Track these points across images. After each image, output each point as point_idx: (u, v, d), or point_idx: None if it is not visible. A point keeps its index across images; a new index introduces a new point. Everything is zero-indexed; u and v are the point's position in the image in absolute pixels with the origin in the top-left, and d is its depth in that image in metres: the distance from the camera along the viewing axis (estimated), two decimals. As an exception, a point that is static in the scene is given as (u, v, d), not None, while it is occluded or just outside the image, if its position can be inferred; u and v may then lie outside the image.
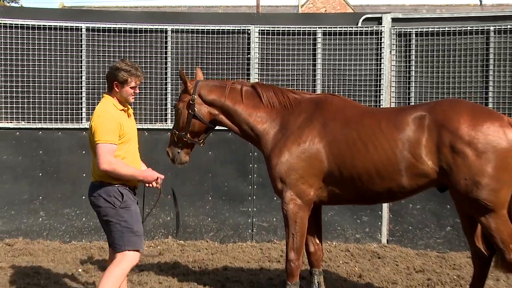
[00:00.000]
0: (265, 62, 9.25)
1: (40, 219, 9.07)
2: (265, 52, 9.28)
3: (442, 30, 8.98)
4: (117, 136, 5.33)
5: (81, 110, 9.17)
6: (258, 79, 9.16)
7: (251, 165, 9.19)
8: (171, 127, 6.87)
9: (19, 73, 9.04)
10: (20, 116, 9.07)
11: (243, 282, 7.27)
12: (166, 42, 9.23)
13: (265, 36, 9.29)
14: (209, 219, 9.21)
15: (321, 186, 6.11)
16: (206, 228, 9.19)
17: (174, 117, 6.89)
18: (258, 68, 9.22)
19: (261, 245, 8.90)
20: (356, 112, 6.26)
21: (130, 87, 5.48)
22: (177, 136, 6.54)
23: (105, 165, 5.25)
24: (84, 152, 9.11)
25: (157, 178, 5.61)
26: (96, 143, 5.26)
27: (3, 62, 9.02)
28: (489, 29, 8.84)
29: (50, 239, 8.99)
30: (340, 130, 6.07)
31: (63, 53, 9.15)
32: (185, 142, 6.57)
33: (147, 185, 5.63)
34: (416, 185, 5.90)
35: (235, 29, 9.30)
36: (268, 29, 9.28)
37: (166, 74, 9.26)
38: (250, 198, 9.19)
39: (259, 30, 9.26)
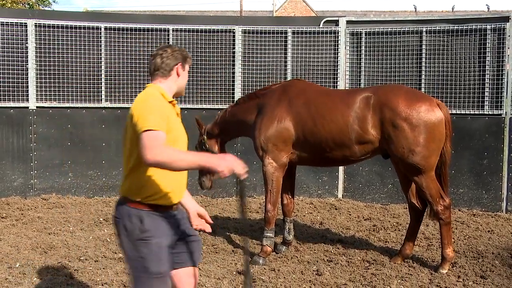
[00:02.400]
0: (246, 55, 9.15)
1: (69, 179, 8.96)
2: (246, 47, 9.18)
3: (385, 30, 8.94)
4: (165, 126, 3.25)
5: (101, 92, 9.03)
6: (241, 69, 9.07)
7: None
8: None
9: (52, 64, 8.85)
10: (52, 97, 8.91)
11: (230, 228, 7.27)
12: (168, 39, 9.09)
13: (247, 35, 9.18)
14: (203, 178, 9.15)
15: (291, 151, 6.11)
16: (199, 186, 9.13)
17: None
18: (241, 60, 9.12)
19: (244, 199, 8.87)
20: (316, 92, 6.28)
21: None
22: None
23: (154, 156, 3.06)
24: (103, 126, 9.00)
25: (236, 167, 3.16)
26: (140, 131, 3.15)
27: (39, 55, 8.82)
28: (422, 29, 8.80)
29: (77, 195, 8.90)
30: (303, 106, 6.07)
31: (86, 48, 8.97)
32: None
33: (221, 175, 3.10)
34: (364, 152, 5.93)
35: (223, 29, 9.17)
36: (250, 29, 9.17)
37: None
38: (235, 162, 9.13)
39: (242, 29, 9.15)
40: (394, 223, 7.49)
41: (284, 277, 5.45)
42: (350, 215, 8.02)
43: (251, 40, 9.17)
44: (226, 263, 5.87)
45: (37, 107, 8.85)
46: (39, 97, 8.88)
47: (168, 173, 3.28)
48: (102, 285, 5.14)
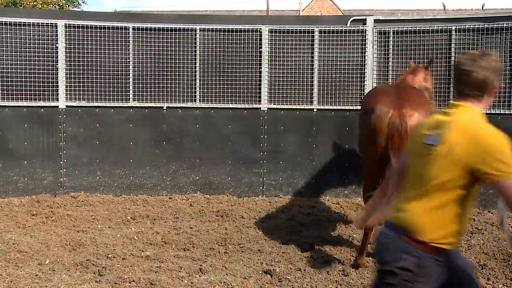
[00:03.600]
0: (273, 55, 9.13)
1: (97, 177, 9.07)
2: (273, 47, 9.17)
3: (414, 29, 8.84)
4: None
5: (129, 92, 9.11)
6: (268, 69, 9.06)
7: (262, 136, 9.13)
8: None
9: (81, 64, 8.97)
10: (82, 97, 9.03)
11: (256, 227, 7.28)
12: (195, 39, 9.13)
13: (274, 34, 9.17)
14: (229, 178, 9.18)
15: None
16: (226, 185, 9.17)
17: None
18: (268, 60, 9.11)
19: (270, 199, 8.88)
20: None
21: None
22: None
23: None
24: (131, 125, 9.09)
25: None
26: (507, 176, 2.64)
27: (69, 55, 8.95)
28: (451, 28, 8.67)
29: (105, 193, 9.00)
30: None
31: (115, 48, 9.06)
32: None
33: None
34: None
35: (250, 28, 9.17)
36: (276, 28, 9.15)
37: (195, 64, 9.16)
38: (261, 162, 9.14)
39: (268, 29, 9.13)
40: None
41: (310, 277, 5.43)
42: (377, 215, 7.93)
43: (278, 40, 9.15)
44: (252, 263, 5.87)
45: (66, 106, 8.98)
46: (68, 96, 9.01)
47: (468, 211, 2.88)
48: (130, 282, 5.19)
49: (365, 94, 6.06)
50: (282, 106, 9.07)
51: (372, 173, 5.73)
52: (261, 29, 9.12)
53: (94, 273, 5.44)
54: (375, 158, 5.61)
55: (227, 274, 5.45)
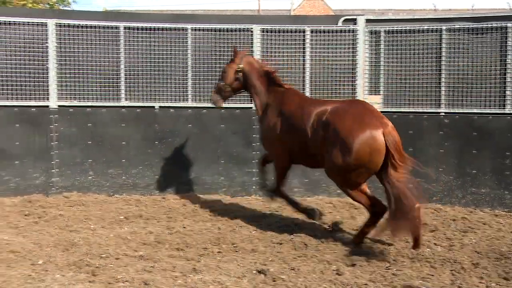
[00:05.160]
0: (264, 54, 9.13)
1: (90, 177, 9.04)
2: (264, 46, 9.17)
3: (405, 29, 8.88)
4: None
5: (120, 91, 9.08)
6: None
7: (253, 136, 9.13)
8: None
9: (72, 63, 8.94)
10: (73, 96, 9.00)
11: (249, 227, 7.27)
12: (186, 38, 9.11)
13: (265, 33, 9.17)
14: (222, 177, 9.18)
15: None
16: (219, 185, 9.17)
17: None
18: (259, 59, 9.09)
19: (263, 198, 8.87)
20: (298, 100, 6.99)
21: None
22: None
23: None
24: (123, 125, 9.06)
25: None
26: None
27: (60, 54, 8.90)
28: (442, 28, 8.72)
29: (97, 193, 8.97)
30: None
31: (106, 47, 9.02)
32: None
33: None
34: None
35: (241, 28, 9.17)
36: (268, 27, 9.16)
37: (187, 63, 9.14)
38: (253, 161, 9.14)
39: (260, 28, 9.14)
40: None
41: (304, 277, 5.44)
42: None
43: (269, 39, 9.16)
44: (246, 262, 5.87)
45: (58, 106, 8.94)
46: (59, 96, 8.96)
47: None
48: (123, 282, 5.17)
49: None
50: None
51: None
52: (252, 28, 9.12)
53: (87, 273, 5.40)
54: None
55: (220, 274, 5.44)
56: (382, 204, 6.24)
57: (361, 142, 5.96)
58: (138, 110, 9.06)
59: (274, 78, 7.38)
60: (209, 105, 9.02)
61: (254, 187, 9.11)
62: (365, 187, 6.49)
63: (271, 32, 9.14)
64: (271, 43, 9.15)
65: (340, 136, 6.10)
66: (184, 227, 7.13)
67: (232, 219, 7.60)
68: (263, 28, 9.15)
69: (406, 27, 8.88)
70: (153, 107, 9.09)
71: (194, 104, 9.10)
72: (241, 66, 7.47)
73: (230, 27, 9.16)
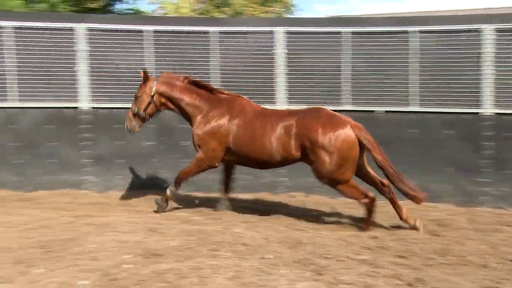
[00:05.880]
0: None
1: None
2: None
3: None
4: None
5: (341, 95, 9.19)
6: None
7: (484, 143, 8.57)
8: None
9: (299, 69, 9.31)
10: (300, 100, 9.22)
11: (477, 240, 6.84)
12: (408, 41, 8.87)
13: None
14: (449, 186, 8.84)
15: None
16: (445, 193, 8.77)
17: None
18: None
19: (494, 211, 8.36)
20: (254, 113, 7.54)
21: None
22: None
23: None
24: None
25: None
26: None
27: (289, 61, 9.33)
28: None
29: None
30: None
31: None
32: None
33: None
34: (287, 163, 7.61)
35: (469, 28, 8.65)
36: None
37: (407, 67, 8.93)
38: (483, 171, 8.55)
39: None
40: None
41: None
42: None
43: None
44: (477, 277, 5.50)
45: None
46: (289, 100, 9.34)
47: None
48: (349, 284, 5.22)
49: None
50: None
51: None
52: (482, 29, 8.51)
53: (312, 272, 5.57)
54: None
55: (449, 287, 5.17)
56: (370, 192, 7.20)
57: (339, 140, 6.92)
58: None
59: (206, 86, 7.83)
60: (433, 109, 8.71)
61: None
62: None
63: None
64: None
65: (319, 145, 6.97)
66: (407, 235, 6.97)
67: (456, 230, 7.22)
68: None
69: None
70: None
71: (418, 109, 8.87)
72: (154, 89, 7.66)
73: (457, 28, 8.70)
